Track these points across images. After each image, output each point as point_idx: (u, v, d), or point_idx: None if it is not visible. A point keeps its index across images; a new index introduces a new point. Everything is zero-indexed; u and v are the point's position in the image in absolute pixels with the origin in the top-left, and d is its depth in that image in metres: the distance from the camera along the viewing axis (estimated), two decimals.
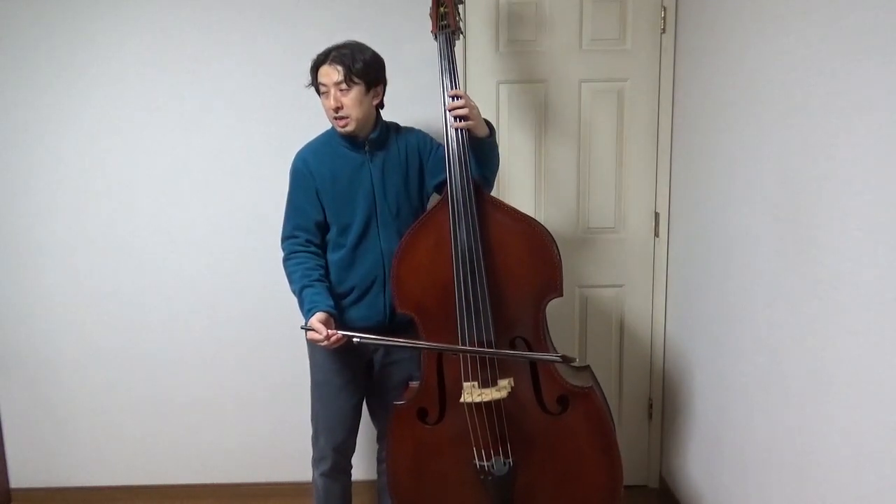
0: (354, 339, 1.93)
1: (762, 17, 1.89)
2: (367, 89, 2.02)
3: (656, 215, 2.68)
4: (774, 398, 1.86)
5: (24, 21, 2.57)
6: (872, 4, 1.42)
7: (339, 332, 1.94)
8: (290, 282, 2.09)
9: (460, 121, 1.96)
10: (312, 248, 2.11)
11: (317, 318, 1.96)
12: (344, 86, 1.98)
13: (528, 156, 2.64)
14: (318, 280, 2.06)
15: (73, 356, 2.79)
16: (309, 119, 2.37)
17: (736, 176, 2.07)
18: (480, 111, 2.01)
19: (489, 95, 2.59)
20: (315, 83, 2.04)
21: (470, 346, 1.98)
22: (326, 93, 2.01)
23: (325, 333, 1.92)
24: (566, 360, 1.93)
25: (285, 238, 2.14)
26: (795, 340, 1.74)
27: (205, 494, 2.86)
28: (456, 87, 1.99)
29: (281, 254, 2.15)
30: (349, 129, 2.03)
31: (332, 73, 1.98)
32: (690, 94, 2.44)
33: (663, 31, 2.55)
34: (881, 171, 1.40)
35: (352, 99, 1.99)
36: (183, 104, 2.62)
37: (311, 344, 2.19)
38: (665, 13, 2.54)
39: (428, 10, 2.11)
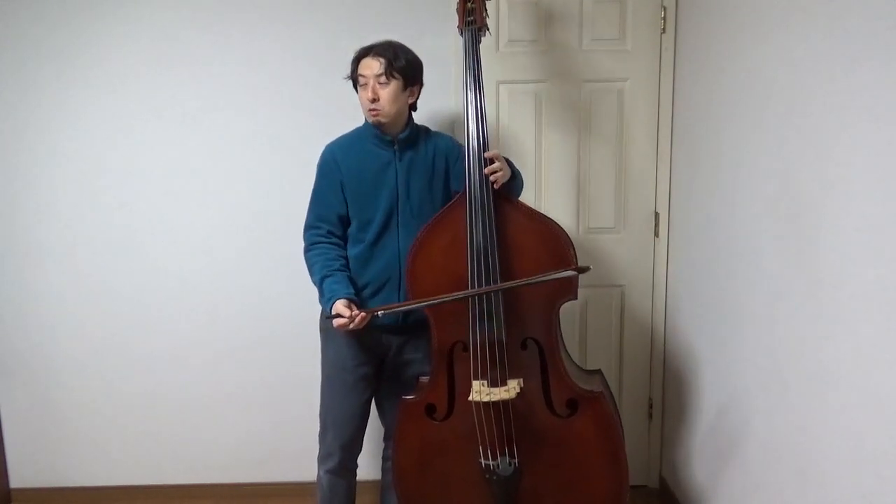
0: (378, 313, 1.99)
1: (762, 17, 1.89)
2: (405, 87, 2.07)
3: (656, 215, 2.68)
4: (775, 398, 1.87)
5: (24, 21, 2.56)
6: (872, 4, 1.42)
7: (362, 311, 1.97)
8: (311, 273, 2.11)
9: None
10: (334, 240, 2.13)
11: (340, 304, 1.98)
12: (383, 78, 2.02)
13: (528, 156, 2.64)
14: (339, 270, 2.08)
15: (73, 356, 2.78)
16: (309, 119, 2.37)
17: (736, 176, 2.07)
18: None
19: (489, 95, 2.56)
20: (355, 75, 2.08)
21: (482, 346, 1.98)
22: (365, 84, 2.04)
23: (348, 314, 1.94)
24: (581, 270, 1.92)
25: (308, 227, 2.16)
26: (796, 340, 1.75)
27: (205, 494, 2.86)
28: (480, 90, 2.01)
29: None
30: (380, 120, 2.06)
31: (373, 65, 2.03)
32: (690, 94, 2.44)
33: (663, 31, 2.55)
34: (881, 171, 1.40)
35: (389, 92, 2.03)
36: (183, 104, 2.62)
37: (325, 339, 2.21)
38: (665, 13, 2.54)
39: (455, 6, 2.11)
